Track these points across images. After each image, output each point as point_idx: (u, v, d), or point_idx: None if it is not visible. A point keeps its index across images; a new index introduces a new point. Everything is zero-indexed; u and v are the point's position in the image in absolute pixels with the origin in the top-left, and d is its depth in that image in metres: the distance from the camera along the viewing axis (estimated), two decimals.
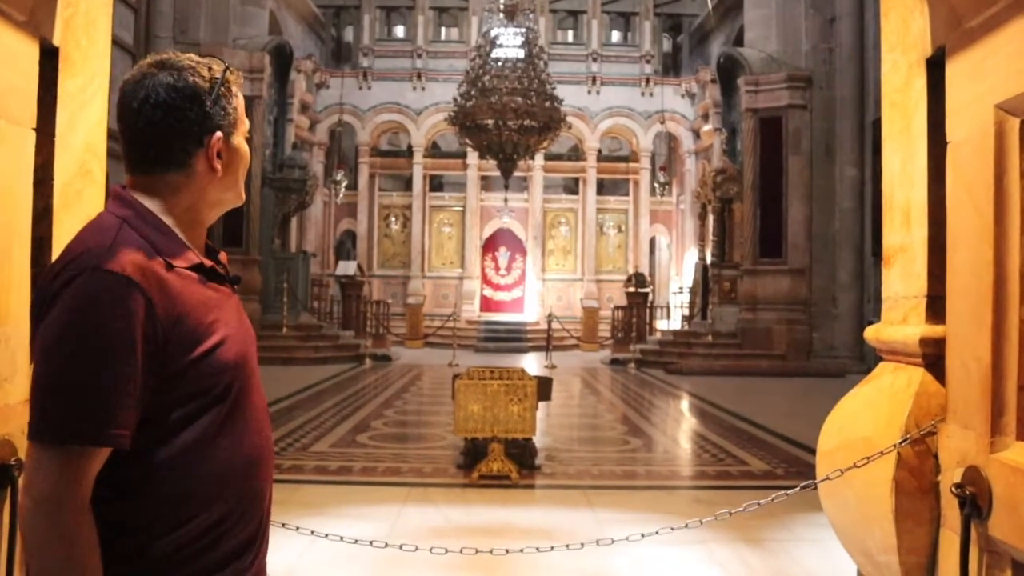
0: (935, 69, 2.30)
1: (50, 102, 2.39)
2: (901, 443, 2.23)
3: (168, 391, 1.29)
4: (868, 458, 2.28)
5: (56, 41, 2.36)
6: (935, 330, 2.29)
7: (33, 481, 1.23)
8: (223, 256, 1.55)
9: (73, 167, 2.52)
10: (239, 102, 1.46)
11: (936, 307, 2.30)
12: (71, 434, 1.22)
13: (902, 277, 2.49)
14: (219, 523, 1.35)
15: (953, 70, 2.18)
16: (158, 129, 1.37)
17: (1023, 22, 1.86)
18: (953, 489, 2.03)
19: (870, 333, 2.68)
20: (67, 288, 1.25)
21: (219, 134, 1.41)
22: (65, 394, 1.23)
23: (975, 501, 1.97)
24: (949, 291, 2.20)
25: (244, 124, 1.48)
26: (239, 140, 1.46)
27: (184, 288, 1.34)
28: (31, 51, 2.23)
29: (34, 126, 2.27)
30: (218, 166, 1.42)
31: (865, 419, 2.48)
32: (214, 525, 1.35)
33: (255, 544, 1.43)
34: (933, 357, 2.30)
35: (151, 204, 1.39)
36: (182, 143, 1.38)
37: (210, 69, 1.42)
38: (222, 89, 1.42)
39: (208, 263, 1.43)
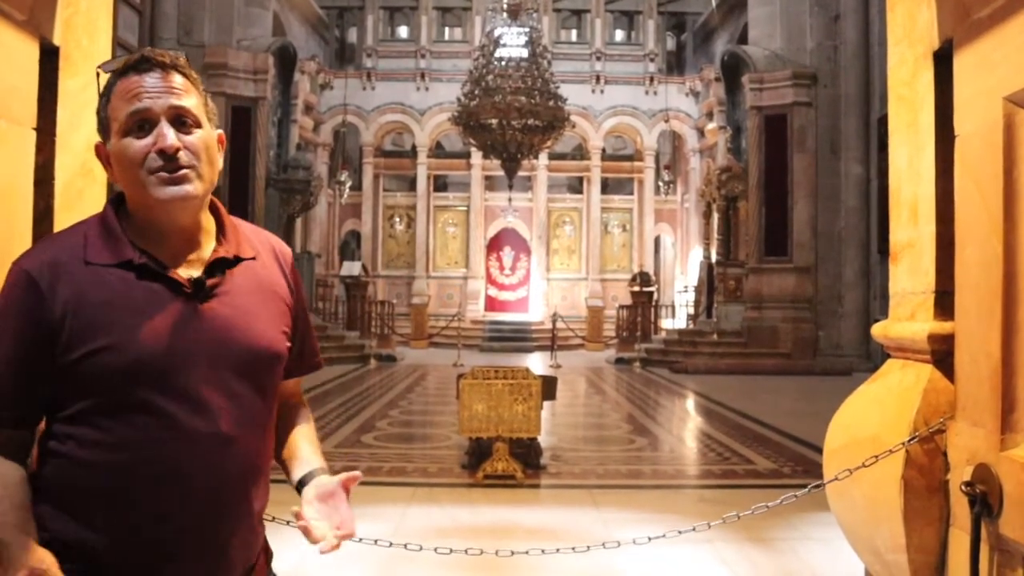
0: (942, 62, 2.28)
1: (51, 102, 2.38)
2: (910, 441, 2.21)
3: (56, 385, 1.31)
4: (876, 456, 2.26)
5: (56, 40, 2.35)
6: (944, 326, 2.27)
7: None
8: (218, 252, 1.44)
9: (74, 167, 2.51)
10: (116, 97, 1.38)
11: (944, 303, 2.28)
12: None
13: (910, 273, 2.47)
14: (84, 545, 1.30)
15: (961, 63, 2.15)
16: None
17: None
18: (963, 487, 2.01)
19: (878, 330, 2.65)
20: None
21: (96, 142, 1.42)
22: None
23: (985, 499, 1.95)
24: (958, 286, 2.18)
25: (116, 122, 1.37)
26: (114, 141, 1.38)
27: (92, 285, 1.33)
28: (31, 51, 2.22)
29: (35, 126, 2.26)
30: (109, 173, 1.42)
31: (873, 417, 2.46)
32: (77, 545, 1.29)
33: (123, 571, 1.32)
34: (942, 353, 2.28)
35: (128, 208, 1.43)
36: None
37: (98, 73, 1.45)
38: (104, 92, 1.40)
39: (140, 260, 1.36)
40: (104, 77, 1.42)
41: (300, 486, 1.49)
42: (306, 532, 1.38)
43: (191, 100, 1.40)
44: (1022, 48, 1.86)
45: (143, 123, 1.36)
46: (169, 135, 1.35)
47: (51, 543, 1.28)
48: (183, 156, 1.36)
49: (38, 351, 1.30)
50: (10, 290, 1.34)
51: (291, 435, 1.59)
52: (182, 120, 1.38)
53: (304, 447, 1.57)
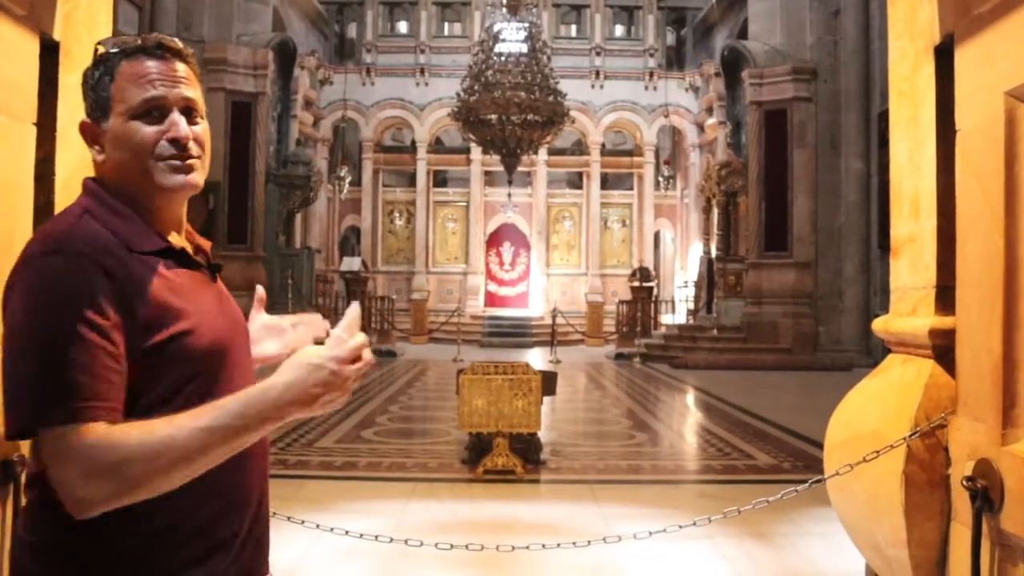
0: (943, 57, 2.28)
1: (51, 97, 2.38)
2: (911, 436, 2.21)
3: (134, 376, 1.26)
4: (877, 452, 2.26)
5: (56, 36, 2.35)
6: (945, 321, 2.27)
7: (60, 475, 1.19)
8: (206, 245, 1.51)
9: (75, 162, 2.50)
10: (124, 81, 1.36)
11: (946, 298, 2.28)
12: (72, 414, 1.18)
13: (911, 268, 2.46)
14: (191, 519, 1.31)
15: (962, 57, 2.15)
16: None
17: None
18: (964, 482, 2.01)
19: (878, 325, 2.65)
20: (23, 274, 1.24)
21: (84, 120, 1.38)
22: (54, 377, 1.19)
23: (987, 494, 1.95)
24: (959, 281, 2.18)
25: (123, 104, 1.35)
26: (116, 123, 1.35)
27: (148, 272, 1.30)
28: (31, 46, 2.22)
29: (35, 121, 2.26)
30: (94, 153, 1.39)
31: (874, 412, 2.46)
32: (185, 520, 1.30)
33: (232, 547, 1.37)
34: (943, 348, 2.28)
35: (111, 190, 1.38)
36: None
37: (97, 50, 1.39)
38: (99, 71, 1.37)
39: (178, 247, 1.38)
40: (102, 50, 1.39)
41: None
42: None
43: (197, 92, 1.42)
44: (1023, 43, 1.86)
45: (155, 110, 1.36)
46: (183, 125, 1.37)
47: (160, 532, 1.28)
48: (192, 146, 1.38)
49: (121, 337, 1.24)
50: (64, 276, 1.22)
51: None
52: (190, 111, 1.40)
53: None
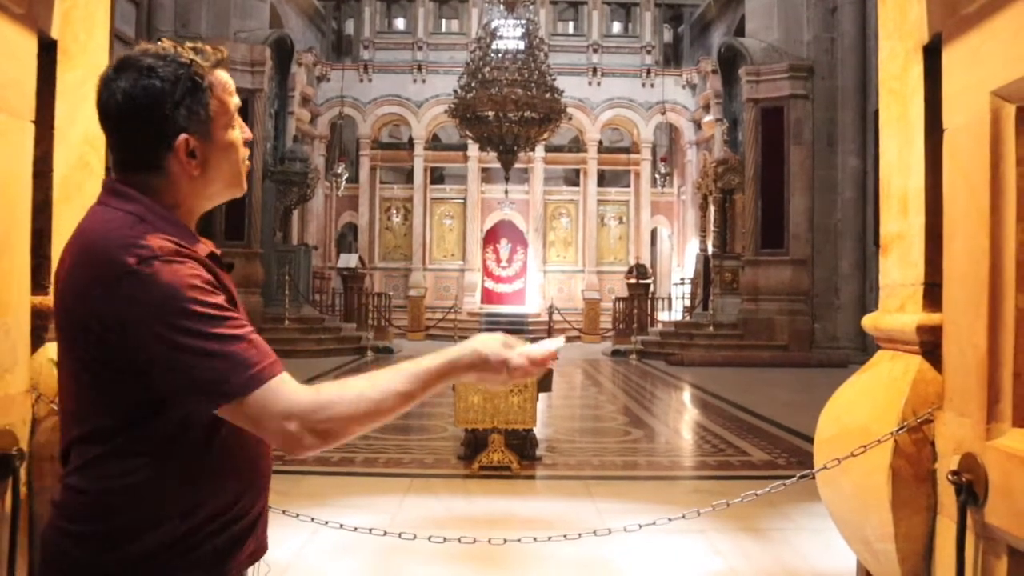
0: (932, 56, 2.30)
1: (49, 95, 2.40)
2: (898, 431, 2.23)
3: None
4: (865, 446, 2.29)
5: (54, 34, 2.37)
6: (932, 318, 2.29)
7: (279, 428, 1.30)
8: (208, 243, 1.57)
9: (72, 159, 2.52)
10: (220, 94, 1.41)
11: (933, 295, 2.30)
12: (258, 378, 1.28)
13: (899, 265, 2.49)
14: (233, 506, 1.40)
15: (950, 57, 2.18)
16: (123, 135, 1.38)
17: (1019, 7, 1.85)
18: (950, 476, 2.04)
19: (868, 321, 2.68)
20: (141, 282, 1.26)
21: (184, 137, 1.36)
22: (224, 352, 1.28)
23: (971, 488, 1.97)
24: (946, 278, 2.21)
25: (225, 116, 1.42)
26: (220, 135, 1.42)
27: (213, 274, 1.38)
28: (29, 44, 2.24)
29: (33, 119, 2.28)
30: (192, 168, 1.39)
31: (862, 407, 2.49)
32: (228, 508, 1.39)
33: (259, 522, 1.48)
34: (930, 345, 2.30)
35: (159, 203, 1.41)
36: (149, 148, 1.37)
37: (177, 64, 1.37)
38: (189, 86, 1.37)
39: (219, 252, 1.47)
40: (206, 64, 1.42)
41: None
42: None
43: None
44: (1008, 42, 1.89)
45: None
46: (246, 128, 1.50)
47: (204, 522, 1.36)
48: None
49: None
50: (182, 272, 1.29)
51: None
52: None
53: None
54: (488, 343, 1.49)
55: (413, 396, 1.42)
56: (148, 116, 1.34)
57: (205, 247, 1.43)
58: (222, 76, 1.43)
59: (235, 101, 1.45)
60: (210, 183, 1.44)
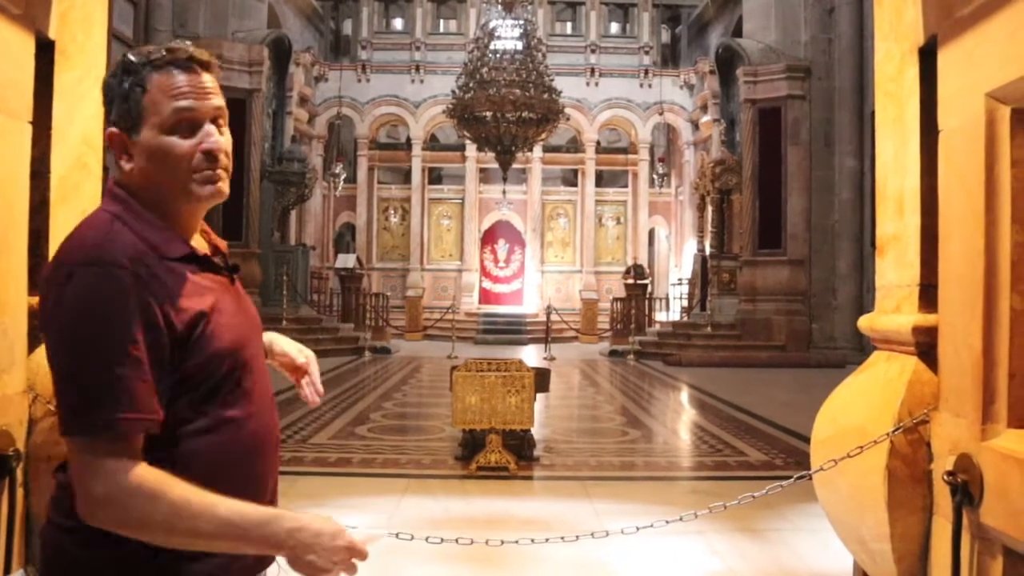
0: (928, 58, 2.31)
1: (46, 95, 2.40)
2: (894, 432, 2.24)
3: (169, 380, 1.32)
4: (861, 447, 2.29)
5: (52, 35, 2.37)
6: (928, 318, 2.30)
7: (83, 481, 1.26)
8: (223, 245, 1.56)
9: (70, 160, 2.53)
10: (155, 93, 1.37)
11: (929, 295, 2.31)
12: (94, 427, 1.25)
13: (895, 266, 2.50)
14: None
15: (945, 59, 2.18)
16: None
17: (1013, 10, 1.86)
18: (945, 477, 2.05)
19: (864, 322, 2.69)
20: (64, 285, 1.27)
21: (110, 130, 1.39)
22: (81, 389, 1.25)
23: (967, 488, 1.98)
24: (941, 279, 2.21)
25: (156, 117, 1.37)
26: (148, 135, 1.37)
27: (177, 278, 1.35)
28: (27, 44, 2.24)
29: (30, 119, 2.28)
30: (122, 162, 1.40)
31: (859, 408, 2.49)
32: None
33: None
34: (926, 345, 2.31)
35: (136, 197, 1.41)
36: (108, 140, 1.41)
37: (138, 58, 1.39)
38: (125, 79, 1.37)
39: (201, 252, 1.44)
40: (136, 60, 1.40)
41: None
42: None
43: (223, 101, 1.46)
44: (1003, 45, 1.89)
45: (187, 123, 1.39)
46: (217, 137, 1.41)
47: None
48: (223, 157, 1.42)
49: (160, 347, 1.29)
50: (104, 289, 1.27)
51: None
52: (218, 121, 1.43)
53: None
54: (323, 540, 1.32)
55: (217, 541, 1.30)
56: (107, 107, 1.40)
57: (184, 248, 1.40)
58: (169, 78, 1.38)
59: (179, 105, 1.38)
60: (150, 183, 1.40)
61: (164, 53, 1.39)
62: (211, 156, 1.40)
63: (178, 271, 1.36)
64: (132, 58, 1.39)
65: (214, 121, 1.42)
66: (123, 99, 1.38)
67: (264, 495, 1.46)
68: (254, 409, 1.44)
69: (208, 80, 1.42)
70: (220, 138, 1.41)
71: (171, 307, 1.31)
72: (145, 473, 1.25)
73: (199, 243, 1.49)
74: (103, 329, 1.25)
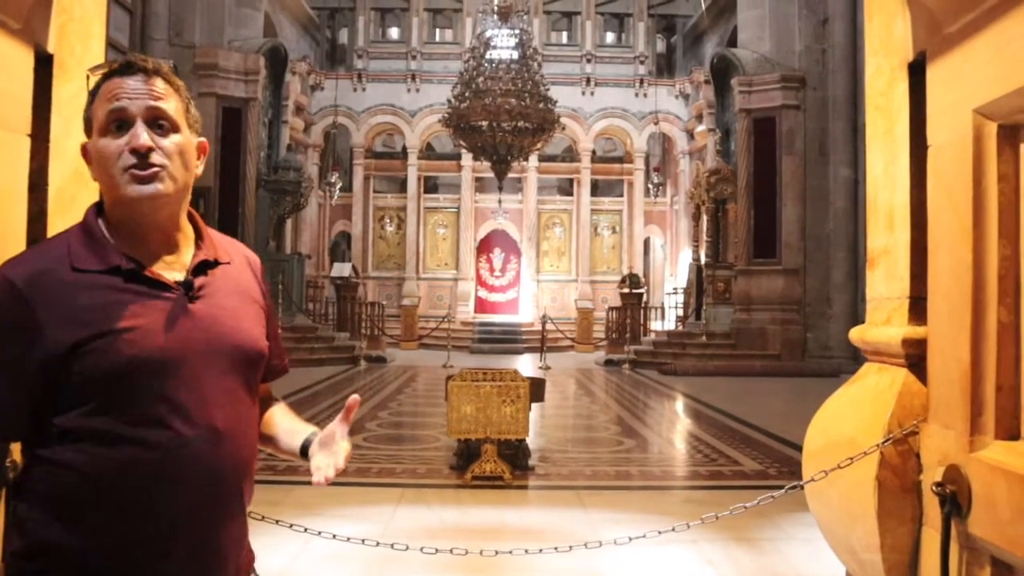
0: (917, 73, 2.34)
1: (45, 108, 2.42)
2: (884, 443, 2.26)
3: (53, 388, 1.32)
4: (852, 458, 2.31)
5: (51, 48, 2.39)
6: (917, 331, 2.32)
7: None
8: (222, 256, 1.52)
9: (67, 172, 2.54)
10: (99, 99, 1.42)
11: (918, 308, 2.34)
12: None
13: (885, 279, 2.52)
14: (73, 549, 1.32)
15: (933, 75, 2.21)
16: None
17: (1000, 27, 1.89)
18: (934, 488, 2.07)
19: (855, 334, 2.71)
20: None
21: (83, 143, 1.44)
22: None
23: (955, 499, 2.00)
24: (931, 293, 2.24)
25: (97, 121, 1.42)
26: (94, 138, 1.42)
27: (80, 292, 1.35)
28: (26, 58, 2.26)
29: (29, 132, 2.30)
30: (91, 171, 1.45)
31: (849, 419, 2.51)
32: (68, 551, 1.32)
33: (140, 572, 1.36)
34: (915, 358, 2.33)
35: (110, 214, 1.44)
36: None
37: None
38: (89, 94, 1.44)
39: (127, 266, 1.39)
40: (93, 80, 1.45)
41: (304, 450, 1.62)
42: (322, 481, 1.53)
43: (170, 104, 1.44)
44: (989, 62, 1.92)
45: (120, 123, 1.40)
46: (142, 135, 1.39)
47: (40, 552, 1.32)
48: (155, 156, 1.39)
49: (28, 361, 1.31)
50: None
51: (272, 414, 1.71)
52: (159, 123, 1.42)
53: (292, 419, 1.71)
54: None
55: None
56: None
57: (112, 261, 1.39)
58: (110, 84, 1.42)
59: (115, 106, 1.40)
60: (103, 187, 1.44)
61: (115, 65, 1.43)
62: (139, 154, 1.38)
63: (86, 284, 1.36)
64: (91, 72, 1.46)
65: (152, 122, 1.41)
66: (84, 112, 1.44)
67: (159, 528, 1.35)
68: (162, 435, 1.33)
69: (159, 84, 1.43)
70: (144, 135, 1.39)
71: (58, 320, 1.32)
72: None
73: (178, 254, 1.47)
74: None
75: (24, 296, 1.31)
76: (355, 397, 1.57)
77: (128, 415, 1.33)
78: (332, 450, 1.58)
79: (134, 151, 1.38)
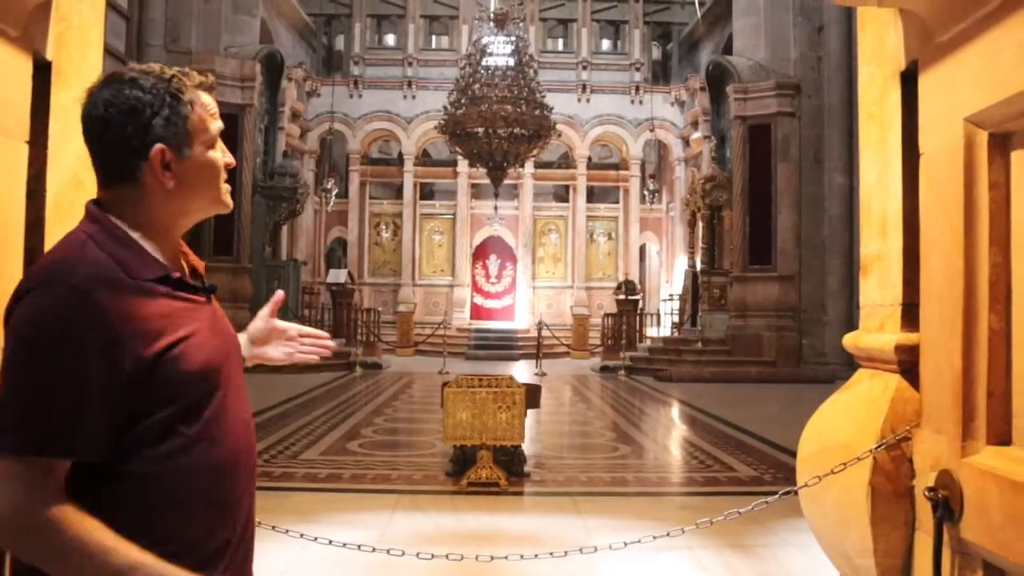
0: (909, 82, 2.36)
1: (43, 115, 2.43)
2: (877, 448, 2.28)
3: (134, 401, 1.30)
4: (845, 463, 2.33)
5: (49, 55, 2.40)
6: (910, 337, 2.34)
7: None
8: (200, 266, 1.57)
9: (66, 178, 2.55)
10: (200, 110, 1.44)
11: (911, 315, 2.36)
12: (26, 445, 1.23)
13: (879, 285, 2.54)
14: (186, 532, 1.36)
15: (925, 84, 2.24)
16: (102, 144, 1.39)
17: (991, 37, 1.91)
18: (926, 493, 2.08)
19: (849, 340, 2.73)
20: (24, 302, 1.29)
21: (159, 147, 1.38)
22: (21, 406, 1.24)
23: (948, 504, 2.02)
24: (923, 299, 2.26)
25: (205, 134, 1.44)
26: (198, 151, 1.44)
27: (146, 300, 1.34)
28: (25, 66, 2.27)
29: (27, 139, 2.31)
30: (166, 180, 1.40)
31: (843, 425, 2.53)
32: (180, 535, 1.35)
33: (226, 554, 1.43)
34: (908, 364, 2.35)
35: (119, 216, 1.40)
36: (125, 157, 1.38)
37: (159, 79, 1.40)
38: (168, 99, 1.39)
39: (176, 274, 1.43)
40: (190, 81, 1.46)
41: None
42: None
43: None
44: (980, 71, 1.94)
45: (216, 140, 1.50)
46: (228, 154, 1.53)
47: (175, 552, 1.32)
48: None
49: (114, 372, 1.28)
50: (61, 312, 1.26)
51: None
52: None
53: None
54: None
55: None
56: (126, 124, 1.37)
57: (158, 270, 1.39)
58: (205, 97, 1.47)
59: (217, 125, 1.48)
60: (187, 198, 1.45)
61: (193, 77, 1.47)
62: (228, 170, 1.52)
63: (148, 291, 1.36)
64: (167, 76, 1.42)
65: None
66: (169, 119, 1.40)
67: (238, 514, 1.47)
68: (228, 428, 1.44)
69: None
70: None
71: (134, 330, 1.30)
72: (52, 520, 1.23)
73: (178, 263, 1.50)
74: (54, 350, 1.25)
75: (99, 302, 1.28)
76: (280, 292, 1.92)
77: (200, 417, 1.39)
78: (288, 335, 1.88)
79: (228, 167, 1.51)
